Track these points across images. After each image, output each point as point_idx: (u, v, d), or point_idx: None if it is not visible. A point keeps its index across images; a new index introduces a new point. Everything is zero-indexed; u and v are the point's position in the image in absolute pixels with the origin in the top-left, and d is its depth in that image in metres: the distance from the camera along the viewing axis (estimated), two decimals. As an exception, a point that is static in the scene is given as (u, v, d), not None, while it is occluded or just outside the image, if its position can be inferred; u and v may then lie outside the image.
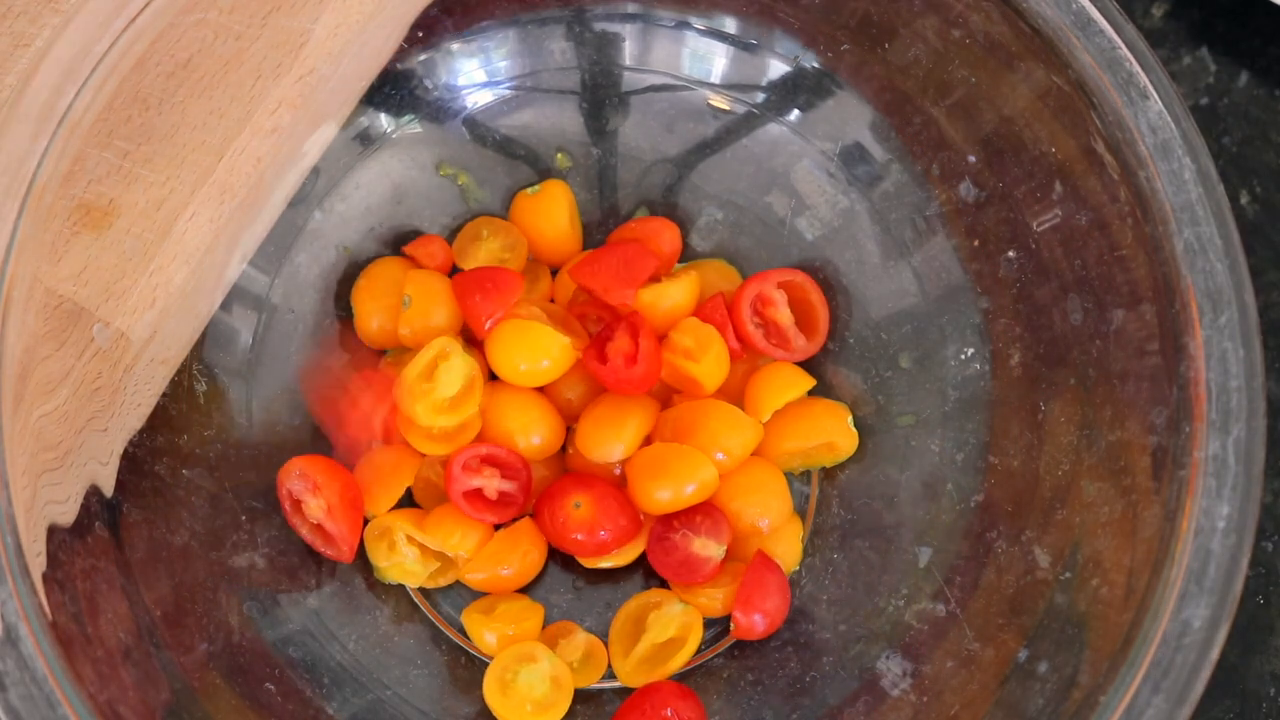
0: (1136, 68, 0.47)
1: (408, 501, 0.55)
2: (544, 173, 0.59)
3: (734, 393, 0.56)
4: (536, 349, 0.53)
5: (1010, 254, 0.53)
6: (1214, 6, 0.63)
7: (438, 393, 0.52)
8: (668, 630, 0.52)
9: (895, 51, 0.54)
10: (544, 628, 0.54)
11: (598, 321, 0.56)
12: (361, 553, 0.54)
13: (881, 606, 0.53)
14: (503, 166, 0.59)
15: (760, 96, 0.57)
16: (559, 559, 0.56)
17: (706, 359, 0.54)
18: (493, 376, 0.55)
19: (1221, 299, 0.45)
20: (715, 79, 0.58)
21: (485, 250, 0.57)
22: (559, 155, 0.59)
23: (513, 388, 0.54)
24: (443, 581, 0.54)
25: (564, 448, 0.56)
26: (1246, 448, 0.43)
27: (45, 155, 0.45)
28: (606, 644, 0.54)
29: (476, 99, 0.58)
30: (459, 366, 0.53)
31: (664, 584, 0.55)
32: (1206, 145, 0.46)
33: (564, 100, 0.58)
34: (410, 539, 0.53)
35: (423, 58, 0.57)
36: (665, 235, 0.57)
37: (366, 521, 0.54)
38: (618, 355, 0.53)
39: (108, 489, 0.48)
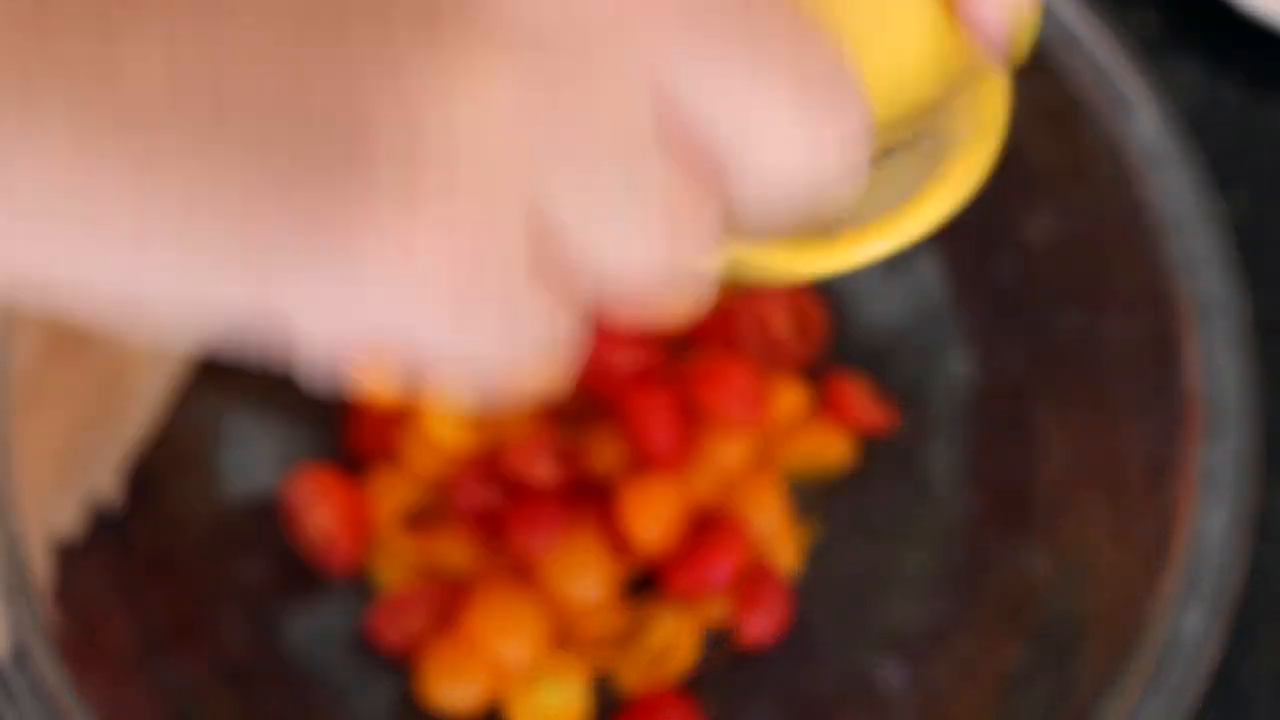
0: (1127, 77, 0.47)
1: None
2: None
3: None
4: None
5: (1005, 262, 0.53)
6: (1206, 15, 0.64)
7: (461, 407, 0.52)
8: (663, 637, 0.52)
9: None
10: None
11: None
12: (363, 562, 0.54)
13: (881, 611, 0.53)
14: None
15: (757, 105, 0.57)
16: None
17: None
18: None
19: (1215, 307, 0.45)
20: (712, 87, 0.58)
21: None
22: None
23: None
24: (444, 593, 0.54)
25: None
26: (1242, 455, 0.43)
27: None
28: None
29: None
30: None
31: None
32: (1198, 154, 0.46)
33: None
34: (413, 553, 0.53)
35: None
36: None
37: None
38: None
39: (111, 498, 0.48)
